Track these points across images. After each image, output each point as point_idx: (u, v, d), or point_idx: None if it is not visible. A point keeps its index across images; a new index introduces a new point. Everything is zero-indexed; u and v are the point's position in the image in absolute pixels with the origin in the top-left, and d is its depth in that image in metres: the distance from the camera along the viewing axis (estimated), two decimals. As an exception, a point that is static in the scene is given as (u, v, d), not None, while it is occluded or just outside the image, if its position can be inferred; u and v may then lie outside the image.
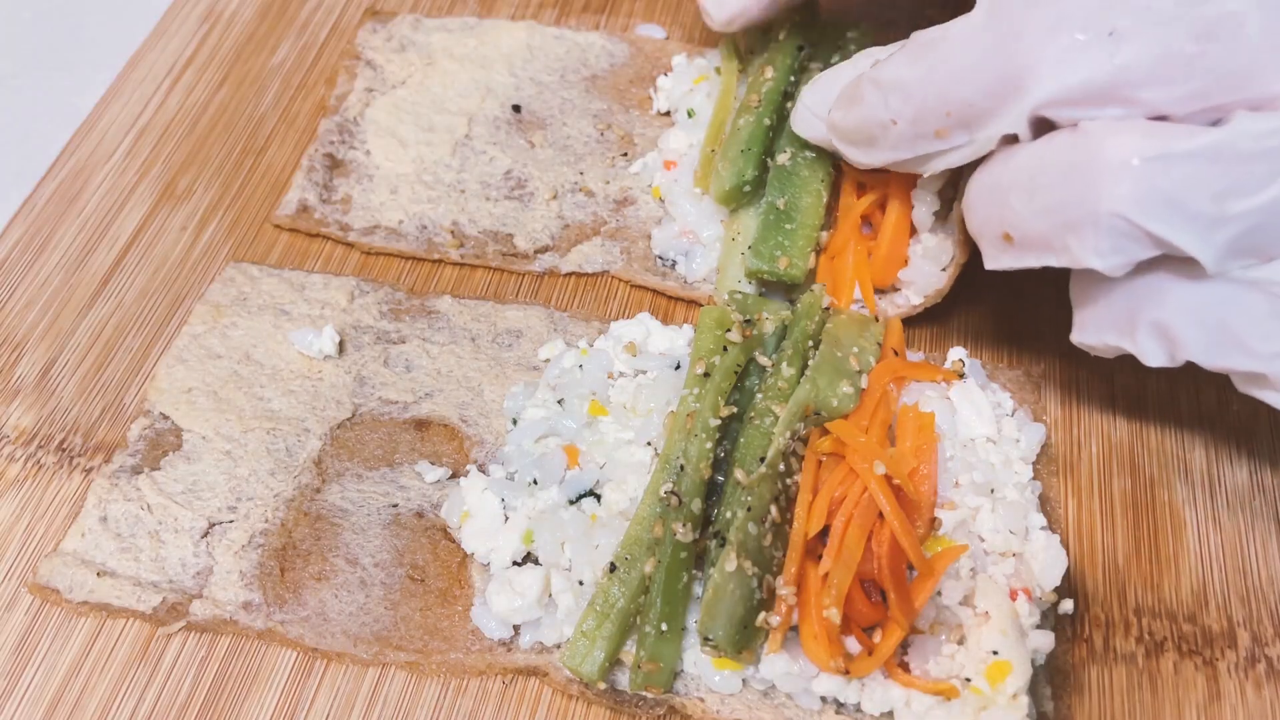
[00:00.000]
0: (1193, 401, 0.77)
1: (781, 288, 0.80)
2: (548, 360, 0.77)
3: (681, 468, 0.65)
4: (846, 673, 0.61)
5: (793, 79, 0.84)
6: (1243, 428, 0.76)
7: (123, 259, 0.86)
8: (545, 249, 0.85)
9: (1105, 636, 0.68)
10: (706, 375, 0.68)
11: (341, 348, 0.79)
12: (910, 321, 0.81)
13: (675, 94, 0.91)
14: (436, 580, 0.69)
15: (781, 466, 0.64)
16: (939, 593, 0.63)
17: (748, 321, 0.71)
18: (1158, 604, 0.69)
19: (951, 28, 0.64)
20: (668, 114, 0.92)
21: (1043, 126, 0.63)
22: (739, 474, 0.64)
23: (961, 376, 0.71)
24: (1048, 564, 0.65)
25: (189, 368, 0.78)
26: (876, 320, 0.73)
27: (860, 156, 0.71)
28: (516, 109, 0.93)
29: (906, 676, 0.62)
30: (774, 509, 0.63)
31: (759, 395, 0.68)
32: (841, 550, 0.61)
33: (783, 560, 0.62)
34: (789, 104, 0.82)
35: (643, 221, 0.86)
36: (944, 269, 0.77)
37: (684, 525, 0.63)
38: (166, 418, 0.76)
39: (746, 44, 0.89)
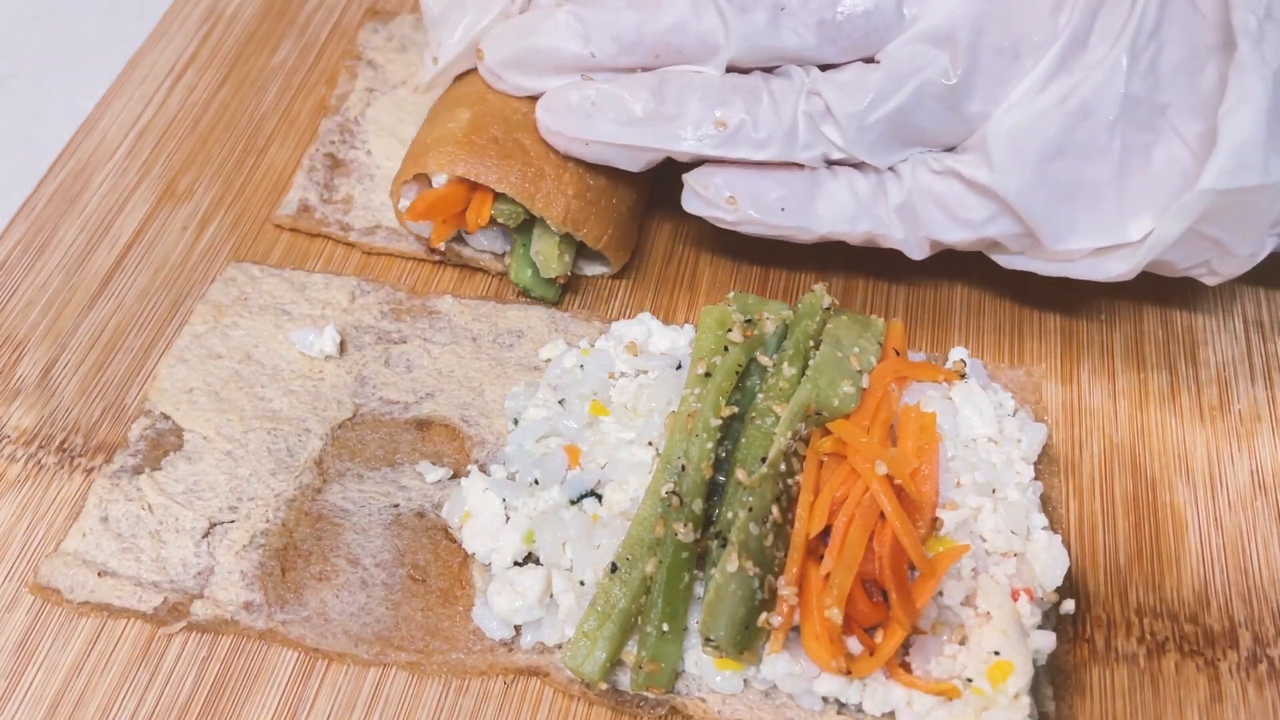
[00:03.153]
0: (1194, 401, 0.77)
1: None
2: (549, 360, 0.77)
3: (683, 468, 0.65)
4: (848, 673, 0.61)
5: None
6: (1244, 428, 0.76)
7: (124, 259, 0.85)
8: (546, 249, 0.85)
9: (1107, 637, 0.68)
10: (708, 375, 0.68)
11: (342, 348, 0.79)
12: (912, 322, 0.81)
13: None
14: (438, 580, 0.69)
15: (783, 466, 0.64)
16: (940, 593, 0.63)
17: (749, 321, 0.71)
18: (1159, 604, 0.69)
19: None
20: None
21: None
22: (740, 474, 0.64)
23: (963, 376, 0.71)
24: (1049, 564, 0.65)
25: (190, 367, 0.78)
26: (877, 320, 0.73)
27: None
28: (517, 109, 0.93)
29: (908, 677, 0.62)
30: (775, 509, 0.63)
31: (760, 395, 0.68)
32: (843, 550, 0.61)
33: (784, 560, 0.62)
34: None
35: (644, 221, 0.86)
36: None
37: (685, 525, 0.63)
38: (167, 418, 0.76)
39: None
